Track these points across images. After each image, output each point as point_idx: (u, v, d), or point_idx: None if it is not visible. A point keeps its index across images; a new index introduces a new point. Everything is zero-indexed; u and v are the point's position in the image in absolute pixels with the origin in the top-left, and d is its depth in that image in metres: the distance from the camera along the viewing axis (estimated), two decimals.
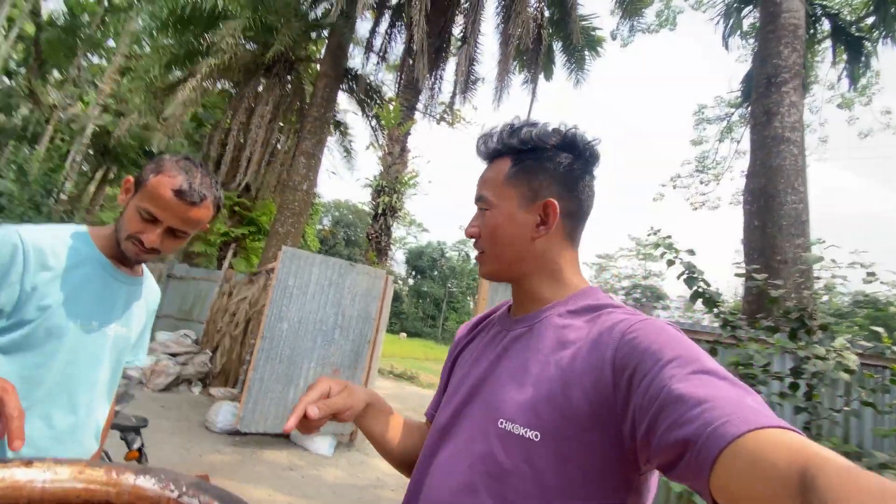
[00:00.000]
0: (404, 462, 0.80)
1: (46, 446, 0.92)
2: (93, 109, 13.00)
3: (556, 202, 0.69)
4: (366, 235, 7.76)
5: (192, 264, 10.86)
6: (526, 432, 0.59)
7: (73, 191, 13.55)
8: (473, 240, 0.74)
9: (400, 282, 47.11)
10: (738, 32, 10.25)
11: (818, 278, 2.69)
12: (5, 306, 0.89)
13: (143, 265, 1.15)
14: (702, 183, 16.87)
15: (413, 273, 49.91)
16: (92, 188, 17.30)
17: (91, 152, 14.69)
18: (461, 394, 0.71)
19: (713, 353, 2.59)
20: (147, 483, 0.56)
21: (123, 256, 1.02)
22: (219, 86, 11.39)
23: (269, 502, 3.52)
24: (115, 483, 0.56)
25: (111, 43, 15.98)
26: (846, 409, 2.34)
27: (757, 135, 5.01)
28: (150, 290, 1.18)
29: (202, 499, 0.54)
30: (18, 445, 0.62)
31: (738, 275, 2.80)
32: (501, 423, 0.62)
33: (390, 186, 7.54)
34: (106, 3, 14.65)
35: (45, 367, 0.92)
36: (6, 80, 16.08)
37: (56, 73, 16.72)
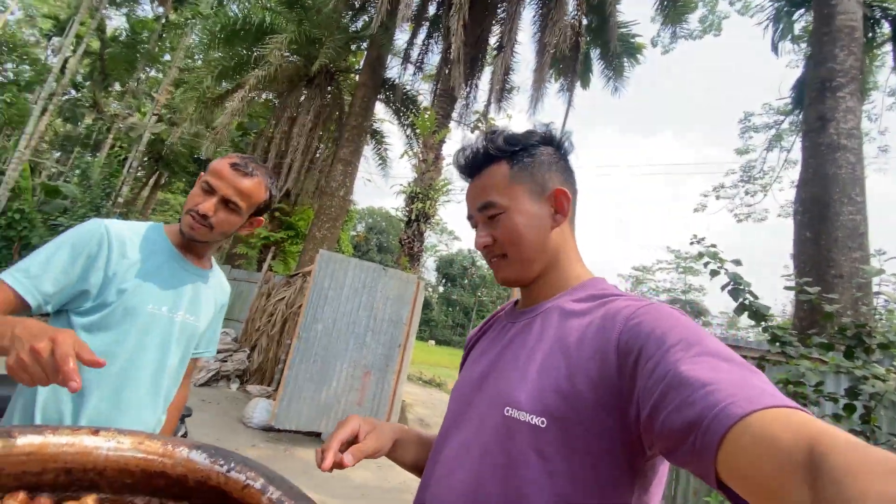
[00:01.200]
0: None
1: (113, 416, 1.00)
2: (149, 119, 13.90)
3: (566, 190, 0.71)
4: (399, 241, 7.86)
5: (235, 266, 11.34)
6: (532, 419, 0.59)
7: (129, 195, 14.48)
8: (485, 250, 0.73)
9: (430, 289, 47.33)
10: (789, 37, 9.80)
11: (878, 293, 2.51)
12: (93, 288, 1.00)
13: (213, 260, 1.24)
14: (747, 193, 16.10)
15: (443, 281, 50.03)
16: (145, 192, 18.45)
17: (146, 159, 15.67)
18: (468, 386, 0.72)
19: (760, 368, 2.46)
20: (199, 457, 0.60)
21: (190, 245, 1.12)
22: (263, 96, 11.93)
23: None
24: (170, 455, 0.60)
25: (167, 57, 17.10)
26: None
27: (810, 142, 4.75)
28: (218, 283, 1.26)
29: (248, 474, 0.57)
30: (75, 387, 0.62)
31: (787, 288, 2.64)
32: (508, 411, 0.61)
33: (424, 193, 7.62)
34: (164, 21, 15.69)
35: (119, 344, 1.02)
36: (73, 92, 17.46)
37: (117, 86, 18.01)
